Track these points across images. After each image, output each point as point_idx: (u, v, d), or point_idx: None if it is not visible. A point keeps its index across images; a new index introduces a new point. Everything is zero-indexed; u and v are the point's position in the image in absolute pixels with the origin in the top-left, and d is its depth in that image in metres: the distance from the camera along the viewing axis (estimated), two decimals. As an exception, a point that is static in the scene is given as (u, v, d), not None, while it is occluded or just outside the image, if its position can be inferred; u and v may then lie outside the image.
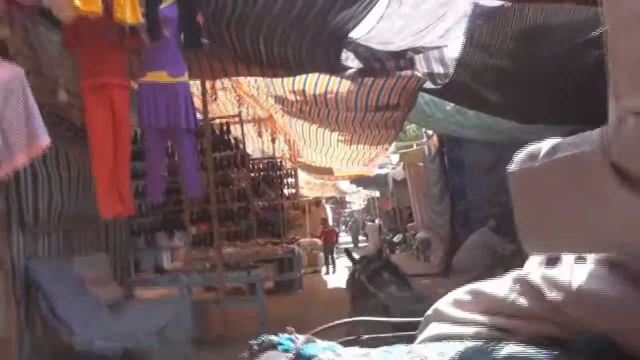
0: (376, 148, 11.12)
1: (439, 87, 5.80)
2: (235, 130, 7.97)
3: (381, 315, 2.27)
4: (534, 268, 0.95)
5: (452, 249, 9.61)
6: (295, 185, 13.32)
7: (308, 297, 9.71)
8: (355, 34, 4.47)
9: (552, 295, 0.85)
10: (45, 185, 4.31)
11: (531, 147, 0.73)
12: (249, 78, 7.17)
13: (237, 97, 7.43)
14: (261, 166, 10.18)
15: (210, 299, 6.97)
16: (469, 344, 0.89)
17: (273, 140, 9.89)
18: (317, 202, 18.01)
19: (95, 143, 3.84)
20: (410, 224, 17.43)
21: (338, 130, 9.47)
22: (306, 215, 16.89)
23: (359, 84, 6.72)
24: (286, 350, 0.92)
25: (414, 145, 15.48)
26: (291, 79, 6.62)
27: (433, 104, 7.32)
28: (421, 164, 14.79)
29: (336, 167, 16.68)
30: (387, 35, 4.36)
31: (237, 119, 6.97)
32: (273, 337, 0.95)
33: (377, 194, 27.79)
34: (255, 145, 11.53)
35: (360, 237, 26.68)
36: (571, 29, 3.96)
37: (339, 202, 33.46)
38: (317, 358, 0.88)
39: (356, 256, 4.89)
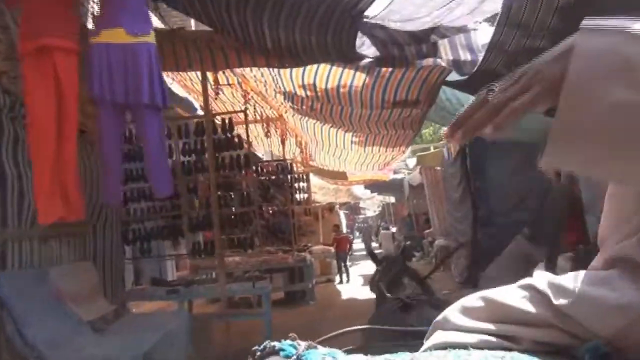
0: (392, 150, 10.52)
1: (464, 78, 5.18)
2: (240, 130, 7.41)
3: (400, 319, 2.40)
4: (542, 275, 0.96)
5: (475, 258, 8.94)
6: (308, 190, 12.74)
7: (320, 309, 9.09)
8: (372, 11, 3.87)
9: (559, 301, 0.86)
10: (16, 185, 3.75)
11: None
12: (255, 72, 6.61)
13: (243, 94, 6.87)
14: (270, 169, 9.60)
15: (214, 312, 6.39)
16: (473, 352, 0.90)
17: (283, 142, 9.33)
18: (330, 207, 17.41)
19: (32, 123, 3.09)
20: (427, 231, 16.78)
21: (352, 130, 8.89)
22: (319, 221, 16.28)
23: (375, 77, 6.12)
24: (288, 356, 0.92)
25: (431, 148, 14.83)
26: (300, 71, 6.05)
27: (456, 99, 6.70)
28: (439, 168, 14.20)
29: (350, 172, 16.11)
30: (408, 9, 3.76)
31: (242, 118, 6.37)
32: (275, 343, 0.96)
33: (392, 199, 27.19)
34: (264, 148, 10.98)
35: (374, 244, 25.99)
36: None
37: (353, 208, 32.84)
38: None
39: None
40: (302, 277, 9.31)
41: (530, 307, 0.89)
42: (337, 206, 19.07)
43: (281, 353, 0.92)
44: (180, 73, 7.11)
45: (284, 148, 9.52)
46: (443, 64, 5.04)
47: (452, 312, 1.01)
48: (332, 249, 13.63)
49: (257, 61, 5.21)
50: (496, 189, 8.67)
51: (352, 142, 9.82)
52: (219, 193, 5.66)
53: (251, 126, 9.97)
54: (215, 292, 5.54)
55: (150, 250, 5.75)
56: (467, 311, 0.98)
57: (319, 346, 0.93)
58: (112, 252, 5.13)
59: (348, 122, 8.24)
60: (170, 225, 5.89)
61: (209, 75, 6.11)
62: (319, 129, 9.49)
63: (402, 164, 18.76)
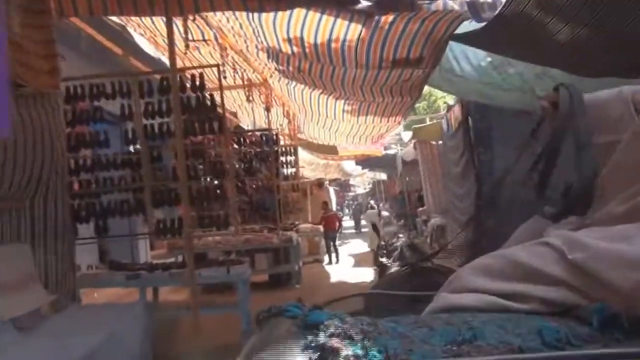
0: (387, 121, 9.66)
1: (480, 27, 4.32)
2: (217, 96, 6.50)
3: (407, 283, 2.42)
4: (557, 232, 1.03)
5: (477, 239, 8.17)
6: (296, 165, 11.89)
7: (307, 292, 8.32)
8: None
9: (575, 255, 0.90)
10: None
11: None
12: (233, 24, 5.70)
13: (220, 52, 5.96)
14: (254, 140, 8.71)
15: (182, 302, 5.58)
16: (477, 314, 0.93)
17: (268, 110, 8.44)
18: (319, 183, 16.60)
19: None
20: (420, 209, 16.04)
21: (344, 97, 8.01)
22: (307, 198, 15.48)
23: (373, 29, 5.23)
24: (293, 317, 0.97)
25: (427, 120, 13.99)
26: (285, 21, 5.15)
27: (464, 57, 5.83)
28: (434, 143, 13.42)
29: (341, 146, 15.25)
30: None
31: (218, 79, 5.47)
32: (281, 305, 1.02)
33: (383, 176, 26.45)
34: (247, 117, 10.06)
35: (364, 222, 25.30)
36: None
37: (343, 185, 32.08)
38: (323, 324, 0.92)
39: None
40: (288, 259, 8.52)
41: (543, 264, 0.94)
42: (327, 182, 18.25)
43: (286, 314, 1.00)
44: (149, 26, 6.18)
45: (269, 117, 8.63)
46: (456, 6, 4.17)
47: (466, 271, 1.08)
48: (321, 228, 12.85)
49: (232, 3, 4.31)
50: (502, 163, 7.87)
51: (344, 111, 8.95)
52: (187, 163, 4.78)
53: (233, 93, 9.07)
54: (182, 279, 4.71)
55: (107, 229, 4.89)
56: (480, 270, 1.04)
57: (324, 308, 1.02)
58: (56, 231, 4.26)
59: (340, 87, 7.36)
60: (132, 200, 5.01)
61: (179, 24, 5.20)
62: (307, 96, 8.60)
63: (396, 138, 17.94)
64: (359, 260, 12.21)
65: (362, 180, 32.70)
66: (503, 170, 7.93)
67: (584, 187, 1.38)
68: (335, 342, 0.87)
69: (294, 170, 12.16)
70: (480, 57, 5.74)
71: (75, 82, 4.87)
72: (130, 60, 6.96)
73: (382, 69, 6.16)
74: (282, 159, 11.69)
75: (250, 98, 7.60)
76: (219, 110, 5.28)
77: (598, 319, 0.84)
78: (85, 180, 4.92)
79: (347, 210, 34.66)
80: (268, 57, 6.67)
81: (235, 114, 10.73)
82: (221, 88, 5.31)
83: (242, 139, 8.61)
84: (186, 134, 4.84)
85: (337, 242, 13.47)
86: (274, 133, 8.96)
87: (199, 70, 5.12)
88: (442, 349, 0.87)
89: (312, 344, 0.87)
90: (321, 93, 8.23)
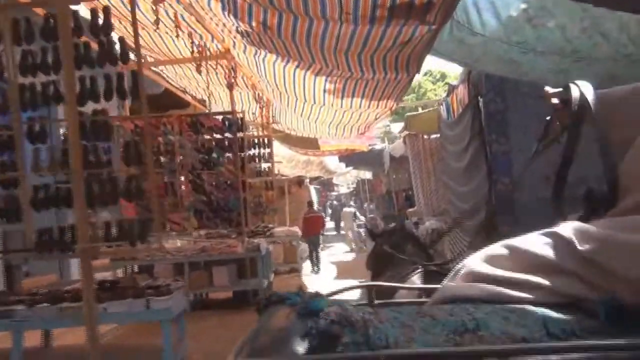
0: (377, 106, 8.10)
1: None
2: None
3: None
4: (567, 223, 1.00)
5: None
6: (270, 158, 10.26)
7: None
8: None
9: (585, 247, 0.89)
10: None
11: None
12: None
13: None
14: (213, 125, 7.04)
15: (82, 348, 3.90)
16: (481, 305, 0.94)
17: (230, 88, 6.80)
18: (299, 181, 15.00)
19: None
20: (410, 210, 14.55)
21: (325, 70, 6.42)
22: (285, 197, 13.85)
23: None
24: (294, 305, 0.95)
25: (420, 109, 12.48)
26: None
27: (489, 6, 4.29)
28: (427, 137, 11.98)
29: (323, 139, 13.66)
30: None
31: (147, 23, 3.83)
32: (281, 293, 1.00)
33: (368, 175, 25.00)
34: (201, 95, 8.38)
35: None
36: None
37: (326, 184, 30.51)
38: (324, 312, 0.91)
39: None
40: (255, 271, 6.89)
41: (552, 254, 0.94)
42: (307, 180, 16.65)
43: (287, 302, 0.98)
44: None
45: (231, 95, 6.99)
46: None
47: (473, 261, 1.07)
48: (299, 232, 11.21)
49: None
50: (522, 155, 6.31)
51: (325, 91, 7.36)
52: (86, 144, 3.13)
53: (194, 74, 7.44)
54: (78, 317, 3.07)
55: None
56: (488, 259, 1.03)
57: (323, 295, 0.99)
58: None
59: (319, 54, 5.77)
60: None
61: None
62: (280, 72, 6.99)
63: (383, 131, 16.47)
64: (344, 270, 10.62)
65: (345, 179, 31.24)
66: (522, 164, 6.41)
67: (609, 189, 1.23)
68: (335, 329, 0.88)
69: (268, 165, 10.54)
70: (511, 2, 4.19)
71: None
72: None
73: (375, 22, 4.58)
74: (254, 151, 10.07)
75: (201, 69, 5.93)
76: (134, 62, 3.62)
77: (605, 310, 0.85)
78: None
79: (329, 211, 33.09)
80: (223, 10, 5.04)
81: (200, 100, 9.09)
82: (135, 26, 3.63)
83: (197, 124, 6.96)
84: (82, 99, 3.20)
85: (320, 248, 11.83)
86: (239, 117, 7.31)
87: (103, 2, 3.45)
88: (444, 338, 0.88)
89: (313, 331, 0.88)
90: (297, 67, 6.64)
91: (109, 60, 3.27)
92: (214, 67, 6.83)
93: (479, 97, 6.66)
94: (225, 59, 6.73)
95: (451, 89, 7.99)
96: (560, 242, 0.92)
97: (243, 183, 6.99)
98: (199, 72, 6.14)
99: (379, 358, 0.85)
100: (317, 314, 0.90)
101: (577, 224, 0.96)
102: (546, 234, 0.97)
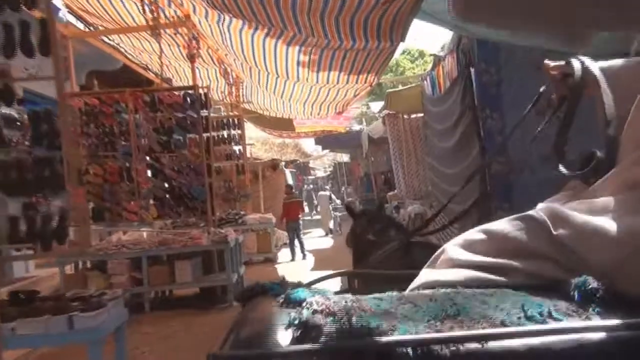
0: (356, 80, 7.40)
1: None
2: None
3: (399, 260, 2.41)
4: (543, 205, 1.04)
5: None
6: (241, 140, 9.50)
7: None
8: None
9: (559, 232, 0.92)
10: None
11: None
12: None
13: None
14: (173, 102, 6.21)
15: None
16: (461, 290, 0.97)
17: (192, 59, 6.00)
18: (273, 165, 14.22)
19: None
20: (390, 193, 13.95)
21: (300, 38, 5.69)
22: (259, 182, 13.09)
23: None
24: (277, 295, 0.99)
25: (399, 86, 11.81)
26: None
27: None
28: (407, 117, 11.36)
29: (298, 120, 12.91)
30: None
31: None
32: (264, 282, 1.03)
33: (345, 158, 24.37)
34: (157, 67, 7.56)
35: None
36: None
37: (302, 168, 29.78)
38: (307, 302, 0.92)
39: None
40: (223, 265, 6.16)
41: (528, 238, 0.97)
42: (283, 164, 15.90)
43: (270, 292, 1.01)
44: None
45: (193, 68, 6.19)
46: None
47: (452, 246, 1.09)
48: (274, 218, 10.47)
49: None
50: (517, 133, 5.66)
51: (299, 64, 6.62)
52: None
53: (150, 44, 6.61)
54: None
55: None
56: (466, 244, 1.06)
57: (305, 285, 1.03)
58: None
59: (291, 17, 5.05)
60: None
61: None
62: (247, 41, 6.21)
63: (360, 112, 15.78)
64: (322, 258, 9.95)
65: (322, 163, 30.57)
66: (518, 141, 5.78)
67: (608, 150, 1.24)
68: (318, 319, 0.88)
69: (239, 148, 9.77)
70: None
71: None
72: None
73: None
74: (224, 132, 9.30)
75: (165, 43, 5.14)
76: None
77: (579, 293, 0.89)
78: None
79: (305, 195, 32.42)
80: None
81: (165, 79, 8.22)
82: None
83: (156, 101, 6.14)
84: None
85: (302, 234, 11.07)
86: (202, 92, 6.50)
87: None
88: (425, 324, 0.90)
89: (295, 321, 0.89)
90: (267, 35, 5.88)
91: (9, 4, 2.48)
92: (173, 35, 6.01)
93: (471, 68, 5.99)
94: (185, 27, 5.91)
95: (437, 60, 7.30)
96: (535, 226, 0.95)
97: (208, 167, 6.23)
98: (159, 41, 5.32)
99: (362, 347, 0.86)
100: (300, 304, 0.91)
101: (552, 206, 1.00)
102: (522, 218, 0.99)
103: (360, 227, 3.81)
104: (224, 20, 5.81)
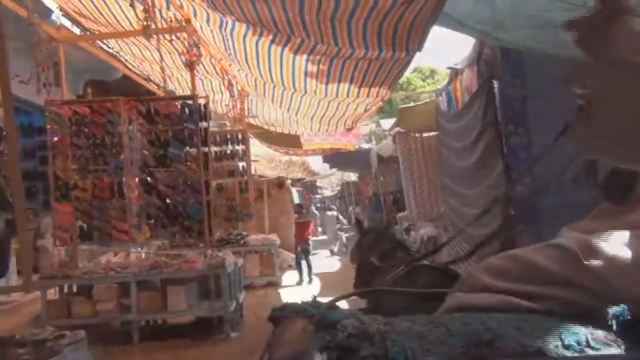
0: (367, 94, 6.94)
1: None
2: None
3: (405, 284, 2.31)
4: (571, 234, 1.02)
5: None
6: (246, 157, 9.03)
7: (249, 345, 5.42)
8: None
9: (588, 260, 0.91)
10: None
11: None
12: None
13: None
14: (169, 112, 5.74)
15: None
16: (493, 315, 0.95)
17: (191, 67, 5.56)
18: (279, 183, 13.72)
19: None
20: (400, 214, 13.42)
21: (308, 44, 5.25)
22: (264, 201, 12.59)
23: None
24: (309, 316, 0.96)
25: (412, 103, 11.34)
26: None
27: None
28: (417, 135, 10.89)
29: (305, 137, 12.45)
30: None
31: None
32: (296, 304, 1.01)
33: (353, 177, 23.89)
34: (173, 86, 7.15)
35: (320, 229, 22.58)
36: None
37: (310, 187, 29.30)
38: (341, 324, 0.92)
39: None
40: (220, 292, 5.61)
41: (557, 266, 0.96)
42: (289, 182, 15.41)
43: (302, 313, 0.99)
44: None
45: (192, 76, 5.74)
46: None
47: (479, 271, 1.08)
48: (278, 240, 9.93)
49: None
50: (544, 150, 5.12)
51: (306, 74, 6.15)
52: None
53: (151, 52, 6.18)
54: None
55: None
56: (493, 270, 1.05)
57: (339, 306, 1.01)
58: None
59: (298, 19, 4.61)
60: None
61: None
62: (252, 49, 5.76)
63: (369, 130, 15.33)
64: (329, 283, 9.36)
65: (329, 182, 30.10)
66: (545, 161, 5.24)
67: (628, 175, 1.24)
68: (354, 342, 0.87)
69: (243, 164, 9.29)
70: None
71: None
72: None
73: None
74: (227, 148, 8.83)
75: (164, 50, 4.69)
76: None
77: (618, 322, 0.86)
78: None
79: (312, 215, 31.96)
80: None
81: (169, 92, 7.79)
82: None
83: (151, 112, 5.67)
84: None
85: (311, 256, 10.50)
86: (202, 103, 6.03)
87: None
88: (460, 350, 0.87)
89: (331, 344, 0.88)
90: (272, 41, 5.44)
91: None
92: (172, 42, 5.57)
93: (493, 81, 5.49)
94: (185, 32, 5.47)
95: (454, 74, 6.81)
96: (565, 254, 0.93)
97: (206, 184, 5.73)
98: (157, 47, 4.87)
99: None
100: (334, 326, 0.91)
101: (579, 235, 0.97)
102: (549, 246, 0.98)
103: (367, 244, 3.71)
104: (226, 25, 5.37)
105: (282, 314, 1.01)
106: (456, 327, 0.91)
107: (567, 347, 0.86)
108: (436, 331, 0.91)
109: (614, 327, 0.88)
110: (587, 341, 0.87)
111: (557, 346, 0.86)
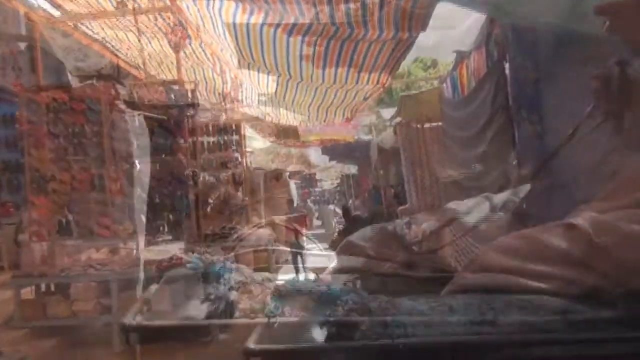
0: (367, 80, 6.54)
1: None
2: None
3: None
4: (584, 214, 1.04)
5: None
6: (239, 147, 8.64)
7: (239, 347, 5.04)
8: None
9: (601, 238, 0.93)
10: None
11: None
12: None
13: None
14: (154, 98, 5.34)
15: None
16: (498, 295, 0.99)
17: (177, 49, 5.15)
18: (276, 175, 13.34)
19: None
20: (402, 207, 13.04)
21: (303, 24, 4.84)
22: (260, 193, 12.18)
23: None
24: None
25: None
26: None
27: None
28: (419, 126, 10.50)
29: (303, 127, 12.04)
30: None
31: None
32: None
33: (353, 170, 23.50)
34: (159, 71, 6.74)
35: (317, 222, 22.26)
36: None
37: (308, 180, 28.94)
38: (342, 299, 1.02)
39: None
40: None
41: (568, 246, 1.00)
42: (287, 174, 15.03)
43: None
44: None
45: (178, 59, 5.33)
46: None
47: (488, 251, 1.15)
48: (274, 234, 9.56)
49: None
50: (556, 141, 4.71)
51: (301, 57, 5.74)
52: None
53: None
54: None
55: None
56: (503, 250, 1.09)
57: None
58: None
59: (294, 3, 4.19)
60: None
61: None
62: (242, 30, 5.35)
63: (369, 121, 14.91)
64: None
65: (329, 174, 29.76)
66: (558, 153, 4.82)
67: None
68: (353, 317, 0.91)
69: (237, 156, 8.90)
70: None
71: None
72: None
73: None
74: (220, 138, 8.45)
75: (143, 30, 4.28)
76: None
77: (623, 302, 0.86)
78: None
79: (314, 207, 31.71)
80: None
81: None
82: None
83: (134, 98, 5.27)
84: None
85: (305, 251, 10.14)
86: (189, 88, 5.62)
87: None
88: (463, 328, 0.90)
89: (331, 319, 0.94)
90: (264, 22, 5.03)
91: None
92: (156, 23, 5.16)
93: (504, 63, 5.08)
94: (170, 12, 5.06)
95: (459, 58, 6.39)
96: (576, 233, 0.94)
97: (193, 174, 5.34)
98: (134, 22, 4.46)
99: (397, 346, 0.89)
100: (335, 301, 0.98)
101: (594, 215, 0.97)
102: (562, 225, 1.00)
103: (355, 234, 3.52)
104: (213, 3, 4.97)
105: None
106: (459, 306, 0.93)
107: (571, 326, 0.86)
108: (438, 310, 0.94)
109: (620, 308, 0.88)
110: (592, 321, 0.89)
111: (561, 325, 0.85)
